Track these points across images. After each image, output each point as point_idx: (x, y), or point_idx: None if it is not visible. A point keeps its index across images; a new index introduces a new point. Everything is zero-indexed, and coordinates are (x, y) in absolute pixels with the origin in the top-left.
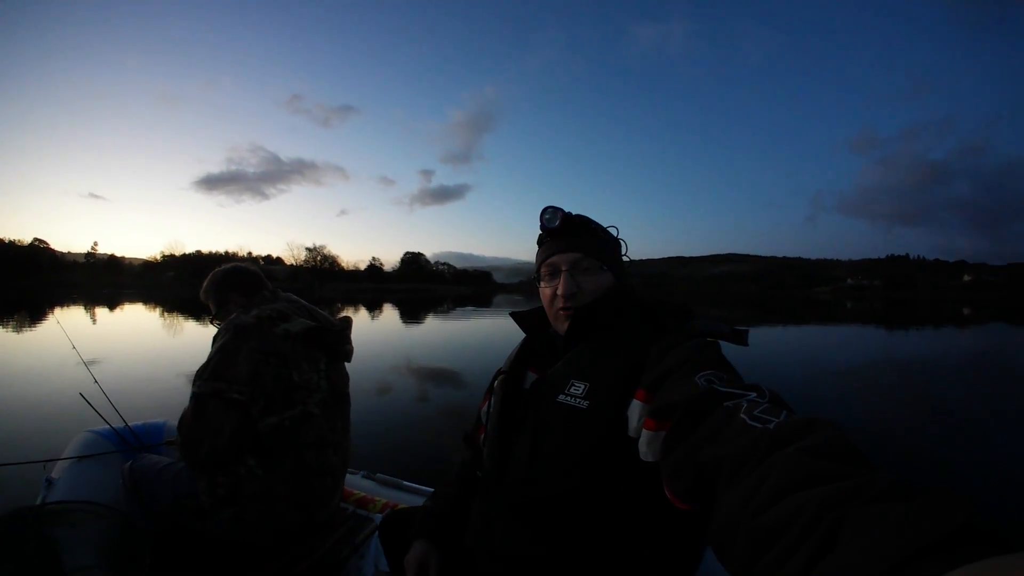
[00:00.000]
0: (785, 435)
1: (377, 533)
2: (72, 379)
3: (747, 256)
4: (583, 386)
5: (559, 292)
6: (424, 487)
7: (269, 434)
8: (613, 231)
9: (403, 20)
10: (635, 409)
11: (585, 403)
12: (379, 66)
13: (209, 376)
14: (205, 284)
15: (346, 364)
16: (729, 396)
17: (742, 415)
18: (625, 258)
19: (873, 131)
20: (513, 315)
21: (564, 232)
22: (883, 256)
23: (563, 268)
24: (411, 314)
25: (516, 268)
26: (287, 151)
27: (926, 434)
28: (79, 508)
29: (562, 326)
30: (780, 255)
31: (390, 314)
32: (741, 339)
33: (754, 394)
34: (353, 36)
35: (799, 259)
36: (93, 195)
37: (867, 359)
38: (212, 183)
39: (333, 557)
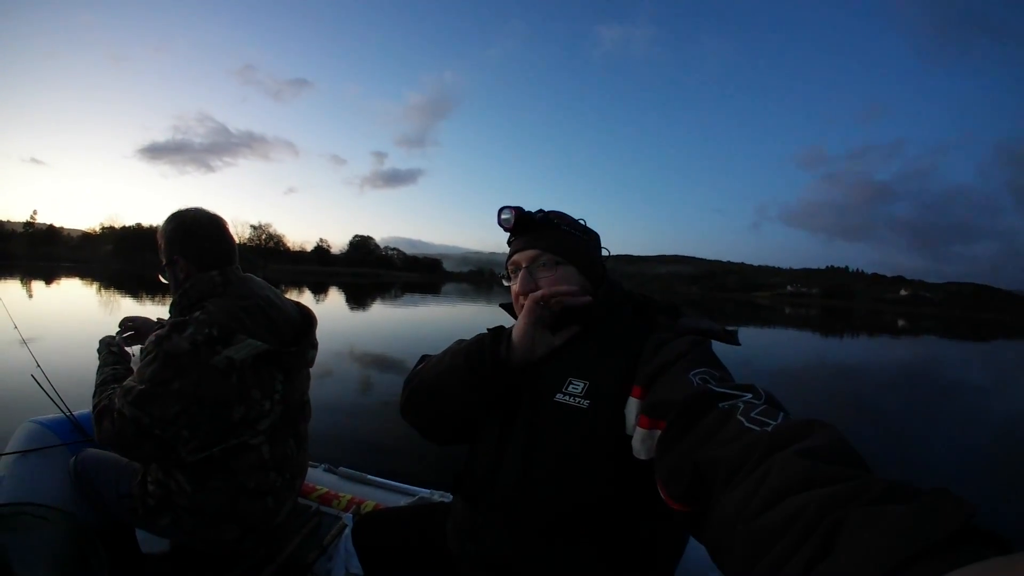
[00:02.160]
0: (783, 438)
1: (348, 533)
2: (10, 361)
3: (691, 258)
4: (582, 384)
5: (516, 290)
6: (390, 481)
7: (195, 463)
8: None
9: None
10: (632, 406)
11: (586, 402)
12: (336, 40)
13: (134, 400)
14: (162, 225)
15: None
16: (724, 396)
17: (739, 416)
18: (604, 250)
19: (821, 148)
20: (504, 307)
21: (523, 230)
22: (823, 266)
23: (523, 266)
24: (358, 300)
25: (466, 257)
26: (236, 122)
27: (859, 435)
28: (29, 512)
29: None
30: (724, 259)
31: (336, 299)
32: (732, 338)
33: (750, 395)
34: (310, 7)
35: (741, 264)
36: (35, 160)
37: (802, 362)
38: (156, 152)
39: (300, 559)
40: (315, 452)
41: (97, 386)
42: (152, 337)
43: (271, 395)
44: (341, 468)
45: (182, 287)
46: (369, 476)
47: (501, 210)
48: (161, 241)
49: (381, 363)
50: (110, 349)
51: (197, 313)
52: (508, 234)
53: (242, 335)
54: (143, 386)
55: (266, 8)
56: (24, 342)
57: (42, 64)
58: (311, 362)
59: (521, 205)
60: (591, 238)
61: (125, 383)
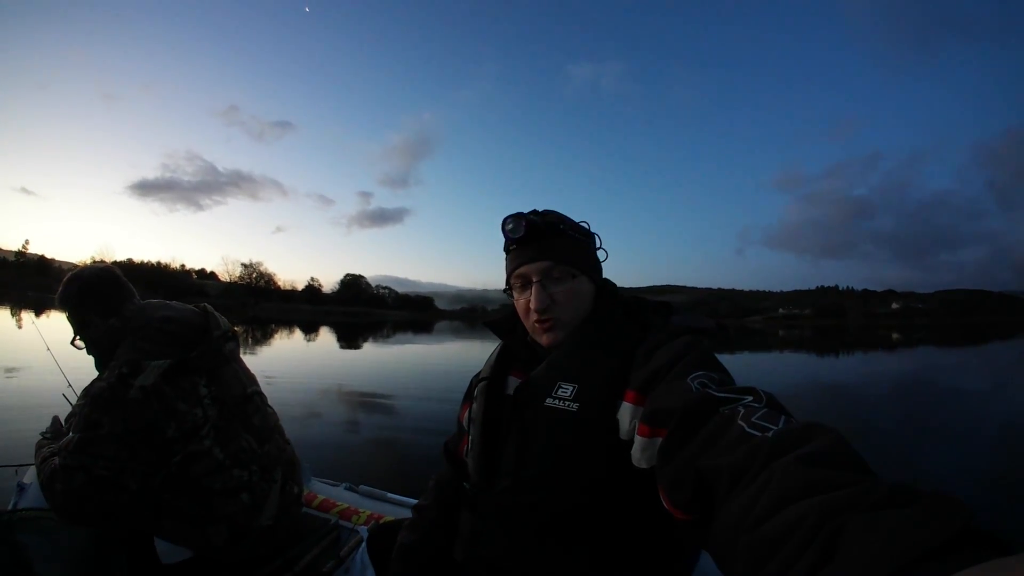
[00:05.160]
0: (784, 443)
1: (364, 546)
2: (42, 381)
3: (683, 287)
4: (571, 388)
5: (532, 307)
6: (408, 498)
7: (158, 487)
8: (590, 225)
9: (340, 40)
10: (626, 411)
11: (575, 405)
12: (315, 84)
13: (74, 449)
14: (59, 294)
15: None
16: (725, 401)
17: (740, 421)
18: (601, 251)
19: (797, 169)
20: (487, 324)
21: (531, 240)
22: (813, 287)
23: (534, 279)
24: (350, 339)
25: (459, 295)
26: (224, 161)
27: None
28: (51, 516)
29: (542, 338)
30: (715, 286)
31: (329, 339)
32: (725, 333)
33: (750, 397)
34: (290, 53)
35: (732, 290)
36: (26, 190)
37: (796, 384)
38: (146, 189)
39: (317, 569)
40: (336, 473)
41: (39, 464)
42: (81, 393)
43: (199, 401)
44: (361, 487)
45: (96, 347)
46: (389, 494)
47: (506, 220)
48: (67, 308)
49: (401, 394)
50: (45, 436)
51: (112, 362)
52: (508, 243)
53: (146, 362)
54: (79, 434)
55: (248, 51)
56: (57, 363)
57: (34, 95)
58: (234, 354)
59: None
60: (592, 241)
61: (60, 444)
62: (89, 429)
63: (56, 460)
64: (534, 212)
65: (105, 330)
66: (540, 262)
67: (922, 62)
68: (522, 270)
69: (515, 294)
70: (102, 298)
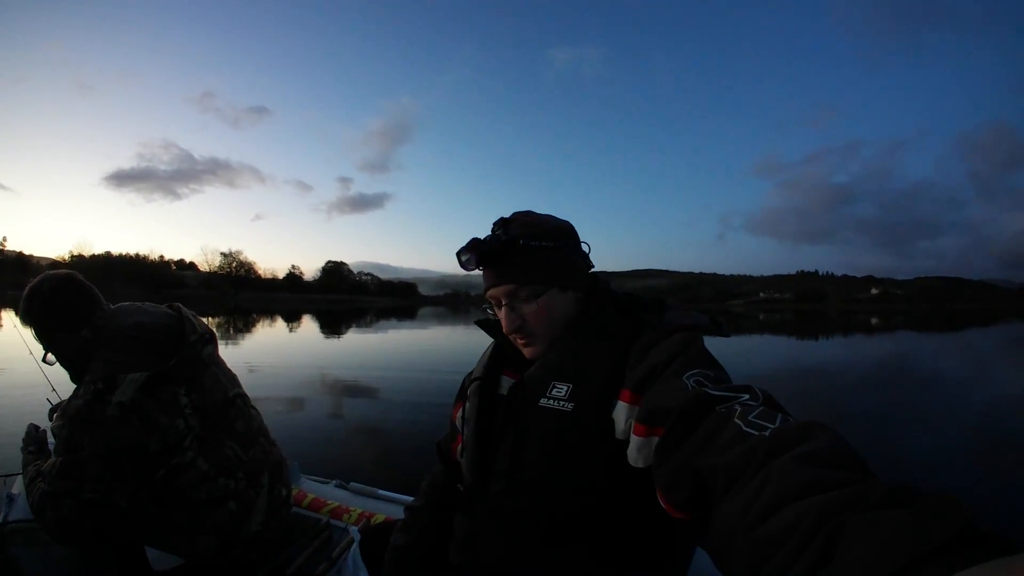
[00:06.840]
0: (781, 442)
1: (357, 547)
2: (25, 385)
3: (665, 271)
4: (566, 388)
5: (504, 329)
6: (399, 495)
7: (144, 501)
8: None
9: (316, 23)
10: (621, 411)
11: (570, 405)
12: (291, 68)
13: (58, 474)
14: (21, 311)
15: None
16: (721, 399)
17: (736, 420)
18: (584, 245)
19: (776, 156)
20: (479, 324)
21: (492, 261)
22: (793, 271)
23: (503, 301)
24: (333, 326)
25: (442, 280)
26: (201, 149)
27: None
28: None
29: (524, 352)
30: (696, 270)
31: (312, 327)
32: (721, 330)
33: (747, 395)
34: (265, 36)
35: (714, 274)
36: (1, 186)
37: (777, 367)
38: (122, 180)
39: (309, 571)
40: (324, 467)
41: (26, 487)
42: (59, 412)
43: (180, 412)
44: (352, 484)
45: (68, 361)
46: (380, 491)
47: (459, 253)
48: (33, 326)
49: (391, 386)
50: (28, 449)
51: (87, 377)
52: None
53: (122, 376)
54: (60, 457)
55: (222, 35)
56: (39, 366)
57: (10, 90)
58: (212, 357)
59: (482, 228)
60: (565, 240)
61: (44, 467)
62: (70, 452)
63: (42, 485)
64: (501, 221)
65: (76, 344)
66: (504, 285)
67: (905, 52)
68: (490, 293)
69: (495, 310)
70: (68, 311)
